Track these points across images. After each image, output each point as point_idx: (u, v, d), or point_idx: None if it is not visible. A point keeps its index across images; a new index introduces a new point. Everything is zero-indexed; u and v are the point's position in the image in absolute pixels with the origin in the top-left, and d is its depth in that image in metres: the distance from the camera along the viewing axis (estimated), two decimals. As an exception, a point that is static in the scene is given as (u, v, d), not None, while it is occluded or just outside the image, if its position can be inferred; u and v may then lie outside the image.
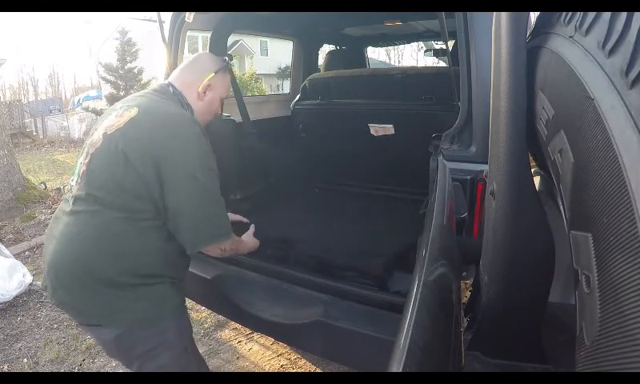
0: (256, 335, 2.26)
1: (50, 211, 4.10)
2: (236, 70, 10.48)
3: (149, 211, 1.06)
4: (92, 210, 1.06)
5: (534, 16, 0.93)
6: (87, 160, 1.11)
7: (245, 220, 1.61)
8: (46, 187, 4.71)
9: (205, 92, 1.24)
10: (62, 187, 4.73)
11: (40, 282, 2.75)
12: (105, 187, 1.05)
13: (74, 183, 1.13)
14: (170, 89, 1.22)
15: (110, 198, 1.05)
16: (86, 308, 1.11)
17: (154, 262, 1.10)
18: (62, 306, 1.17)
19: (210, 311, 2.36)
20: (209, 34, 2.10)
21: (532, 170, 0.76)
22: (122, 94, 9.40)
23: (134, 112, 1.09)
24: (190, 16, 1.65)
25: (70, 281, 1.07)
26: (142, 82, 9.64)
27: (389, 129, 2.05)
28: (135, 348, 1.12)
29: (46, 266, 1.13)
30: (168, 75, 1.78)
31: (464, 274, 1.42)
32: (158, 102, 1.17)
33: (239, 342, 2.26)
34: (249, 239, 1.44)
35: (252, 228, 1.50)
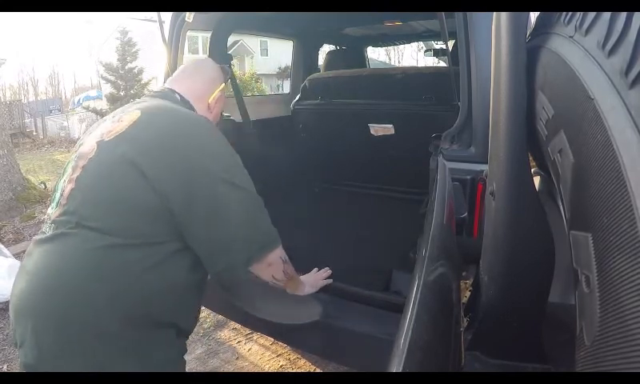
0: (255, 335, 2.25)
1: (49, 211, 4.09)
2: (236, 70, 10.47)
3: (163, 234, 0.84)
4: (85, 233, 0.80)
5: (533, 16, 0.93)
6: (76, 175, 0.86)
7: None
8: (45, 187, 4.70)
9: (215, 103, 1.13)
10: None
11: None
12: (104, 206, 0.82)
13: (53, 210, 0.87)
14: (177, 96, 1.05)
15: (112, 219, 0.81)
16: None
17: (166, 303, 0.86)
18: (29, 369, 0.81)
19: (209, 311, 2.35)
20: (209, 34, 2.11)
21: (532, 170, 0.76)
22: (122, 93, 9.38)
23: (135, 115, 0.89)
24: (190, 16, 1.65)
25: (53, 331, 0.78)
26: (142, 82, 9.62)
27: (389, 129, 2.04)
28: None
29: (11, 314, 0.84)
30: (169, 75, 1.79)
31: (464, 273, 1.42)
32: (164, 104, 0.99)
33: (238, 342, 2.26)
34: (308, 278, 1.28)
35: (314, 271, 1.35)
